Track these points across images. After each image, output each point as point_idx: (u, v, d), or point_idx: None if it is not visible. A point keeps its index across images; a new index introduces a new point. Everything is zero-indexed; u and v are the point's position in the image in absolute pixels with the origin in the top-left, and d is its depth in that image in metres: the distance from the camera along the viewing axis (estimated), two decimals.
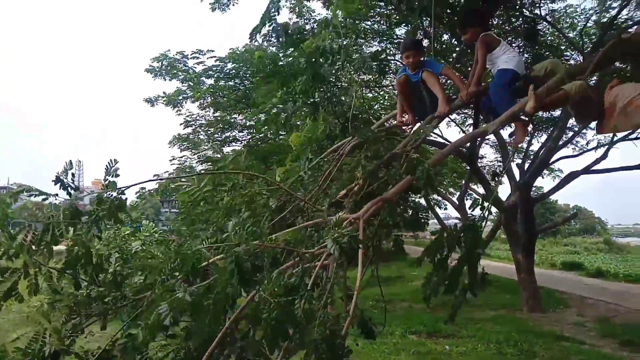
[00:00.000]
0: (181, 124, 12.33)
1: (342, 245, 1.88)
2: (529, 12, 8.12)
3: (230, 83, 9.89)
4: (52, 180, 2.42)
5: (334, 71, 3.29)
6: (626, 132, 9.98)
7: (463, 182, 16.91)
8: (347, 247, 1.89)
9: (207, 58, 8.99)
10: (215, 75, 9.36)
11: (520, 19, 8.12)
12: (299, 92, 3.80)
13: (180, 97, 10.51)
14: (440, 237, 3.37)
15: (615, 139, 10.47)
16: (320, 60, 3.34)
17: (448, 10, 5.81)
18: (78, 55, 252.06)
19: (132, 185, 2.66)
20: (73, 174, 2.45)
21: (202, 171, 13.22)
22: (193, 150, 13.17)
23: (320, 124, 3.98)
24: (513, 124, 3.81)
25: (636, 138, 10.56)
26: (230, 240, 2.01)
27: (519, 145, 12.78)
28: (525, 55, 8.46)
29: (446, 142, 11.97)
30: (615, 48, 3.19)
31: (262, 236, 2.04)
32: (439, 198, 18.71)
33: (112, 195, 2.48)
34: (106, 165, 2.46)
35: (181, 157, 13.61)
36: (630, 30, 6.99)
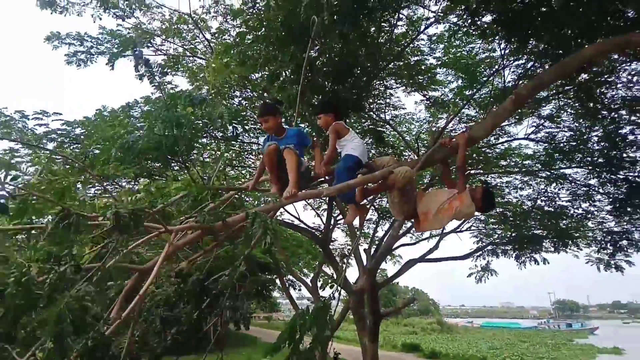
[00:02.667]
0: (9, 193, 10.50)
1: None
2: (376, 115, 9.26)
3: (77, 149, 9.01)
4: None
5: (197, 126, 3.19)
6: (454, 227, 11.63)
7: (317, 263, 17.43)
8: None
9: (52, 120, 8.12)
10: (60, 139, 8.43)
11: (369, 121, 9.21)
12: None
13: (13, 160, 9.06)
14: (293, 321, 3.38)
15: (445, 231, 12.02)
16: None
17: (310, 109, 6.33)
18: None
19: None
20: None
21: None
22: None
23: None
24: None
25: (460, 231, 12.32)
26: None
27: (363, 230, 13.90)
28: (373, 152, 9.48)
29: (303, 225, 12.49)
30: (437, 151, 3.81)
31: None
32: (293, 279, 18.91)
33: None
34: None
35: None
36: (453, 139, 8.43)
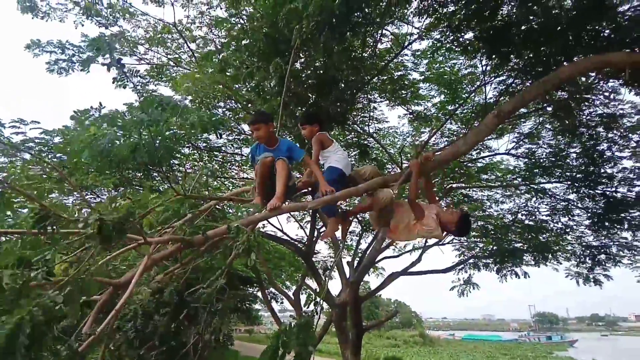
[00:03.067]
0: None
1: None
2: (360, 128, 9.30)
3: (55, 159, 8.75)
4: None
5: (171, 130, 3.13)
6: (436, 241, 11.65)
7: (300, 276, 17.27)
8: None
9: (30, 129, 7.83)
10: (38, 148, 8.18)
11: (353, 134, 9.25)
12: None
13: None
14: (276, 338, 3.32)
15: (428, 244, 12.06)
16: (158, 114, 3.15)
17: (293, 120, 6.33)
18: None
19: None
20: None
21: None
22: None
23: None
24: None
25: (443, 244, 12.36)
26: None
27: (346, 242, 13.86)
28: (357, 165, 9.50)
29: (285, 236, 12.40)
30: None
31: None
32: (276, 292, 18.72)
33: None
34: None
35: None
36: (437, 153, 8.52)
